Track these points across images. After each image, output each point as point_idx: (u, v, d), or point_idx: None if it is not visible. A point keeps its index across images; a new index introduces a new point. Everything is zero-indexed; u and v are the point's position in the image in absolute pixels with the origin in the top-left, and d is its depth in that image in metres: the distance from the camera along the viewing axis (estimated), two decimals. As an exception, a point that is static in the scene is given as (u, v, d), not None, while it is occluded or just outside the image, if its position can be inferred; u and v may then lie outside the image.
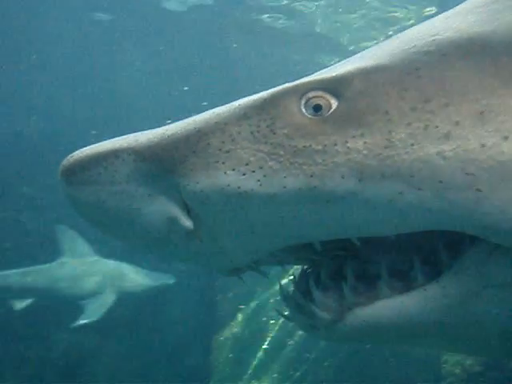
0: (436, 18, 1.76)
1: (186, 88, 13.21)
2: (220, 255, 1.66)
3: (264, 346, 8.35)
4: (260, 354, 8.36)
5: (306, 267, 1.80)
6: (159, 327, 9.65)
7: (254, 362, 8.33)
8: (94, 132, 11.46)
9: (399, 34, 1.77)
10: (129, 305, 9.01)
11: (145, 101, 12.99)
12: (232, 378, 8.50)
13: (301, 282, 1.76)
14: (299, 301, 1.70)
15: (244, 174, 1.52)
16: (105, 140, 1.67)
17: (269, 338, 8.37)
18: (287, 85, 1.59)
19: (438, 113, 1.47)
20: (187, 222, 1.58)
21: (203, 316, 9.68)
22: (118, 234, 1.71)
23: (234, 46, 13.24)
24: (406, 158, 1.45)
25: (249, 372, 8.33)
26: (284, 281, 2.01)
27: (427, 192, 1.44)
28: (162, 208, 1.59)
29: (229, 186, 1.53)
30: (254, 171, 1.52)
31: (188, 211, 1.59)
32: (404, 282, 1.62)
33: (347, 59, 1.76)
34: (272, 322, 8.42)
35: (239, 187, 1.52)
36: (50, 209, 10.16)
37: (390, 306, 1.59)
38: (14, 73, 12.97)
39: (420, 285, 1.59)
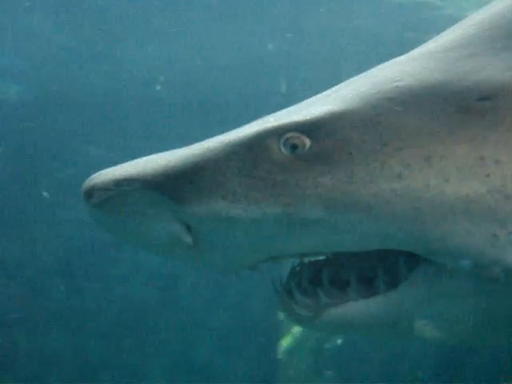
0: (405, 57, 1.98)
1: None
2: (218, 261, 1.98)
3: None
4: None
5: (291, 271, 2.09)
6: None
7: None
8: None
9: (373, 70, 2.00)
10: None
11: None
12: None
13: (287, 282, 2.06)
14: (284, 299, 2.02)
15: (232, 202, 1.82)
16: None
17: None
18: (269, 126, 1.86)
19: (393, 155, 1.73)
20: (187, 238, 1.89)
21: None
22: (132, 244, 2.05)
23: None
24: (364, 192, 1.73)
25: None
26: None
27: (382, 221, 1.73)
28: (167, 226, 1.90)
29: (220, 211, 1.83)
30: (240, 200, 1.81)
31: (188, 228, 1.90)
32: (370, 288, 1.92)
33: (324, 94, 2.02)
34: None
35: (228, 213, 1.82)
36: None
37: (356, 308, 1.89)
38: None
39: (382, 291, 1.88)
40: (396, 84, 1.81)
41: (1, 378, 8.96)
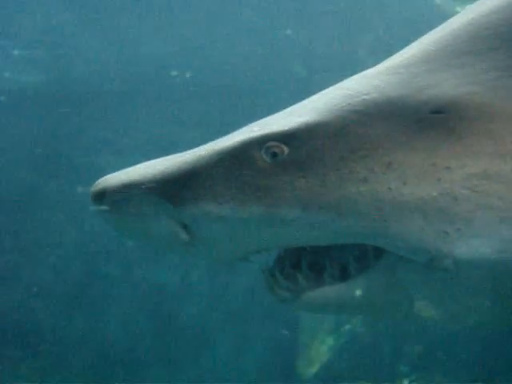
0: (374, 70, 2.21)
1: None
2: (212, 254, 2.25)
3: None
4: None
5: (276, 258, 2.33)
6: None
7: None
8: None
9: (345, 82, 2.25)
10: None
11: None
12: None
13: (272, 268, 2.31)
14: (270, 283, 2.28)
15: (221, 204, 2.07)
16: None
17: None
18: (252, 135, 2.11)
19: (359, 162, 1.97)
20: (184, 235, 2.15)
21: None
22: (136, 240, 2.33)
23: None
24: (335, 195, 1.98)
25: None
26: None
27: (350, 219, 1.98)
28: (166, 225, 2.15)
29: (211, 212, 2.09)
30: (228, 201, 2.07)
31: (185, 227, 2.16)
32: (342, 273, 2.17)
33: (300, 104, 2.26)
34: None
35: (218, 213, 2.08)
36: (128, 152, 10.82)
37: (330, 291, 2.16)
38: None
39: (353, 276, 2.14)
40: (363, 97, 2.05)
41: (21, 360, 9.34)
